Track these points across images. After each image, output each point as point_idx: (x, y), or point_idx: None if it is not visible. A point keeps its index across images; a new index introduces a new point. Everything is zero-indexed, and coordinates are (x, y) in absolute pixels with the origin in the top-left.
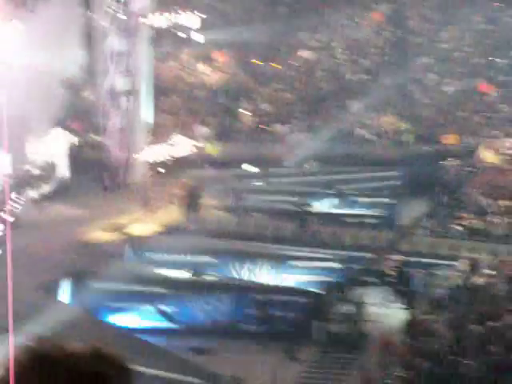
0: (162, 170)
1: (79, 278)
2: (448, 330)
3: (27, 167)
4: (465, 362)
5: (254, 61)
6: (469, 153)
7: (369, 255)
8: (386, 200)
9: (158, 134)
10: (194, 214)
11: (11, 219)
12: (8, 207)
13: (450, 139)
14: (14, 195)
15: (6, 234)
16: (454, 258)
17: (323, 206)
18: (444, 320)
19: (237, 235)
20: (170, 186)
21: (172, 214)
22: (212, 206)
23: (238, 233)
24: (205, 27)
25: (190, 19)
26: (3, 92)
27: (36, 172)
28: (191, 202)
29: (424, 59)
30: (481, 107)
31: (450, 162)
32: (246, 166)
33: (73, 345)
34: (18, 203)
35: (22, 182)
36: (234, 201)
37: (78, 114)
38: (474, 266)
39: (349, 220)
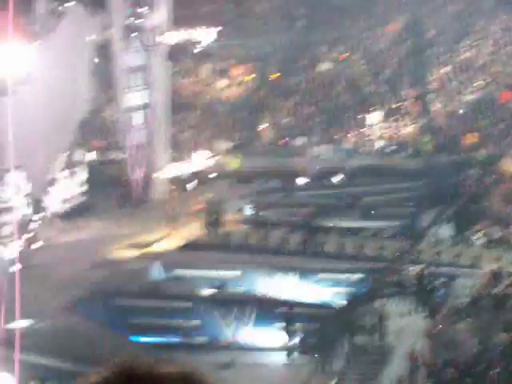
0: (184, 186)
1: (104, 296)
2: (473, 339)
3: (47, 187)
4: (491, 370)
5: (273, 75)
6: (491, 162)
7: (391, 266)
8: (408, 211)
9: (179, 149)
10: (215, 229)
11: (31, 237)
12: (28, 227)
13: (470, 140)
14: (34, 214)
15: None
16: (477, 268)
17: (345, 218)
18: (468, 329)
19: (261, 249)
20: (192, 201)
21: (195, 229)
22: (234, 221)
23: (262, 247)
24: (224, 42)
25: (209, 35)
26: (24, 112)
27: (57, 191)
28: (211, 217)
29: (444, 69)
30: (503, 116)
31: (472, 172)
32: (267, 180)
33: (158, 366)
34: (39, 222)
35: (41, 201)
36: (256, 214)
37: (99, 132)
38: (497, 275)
39: (370, 231)
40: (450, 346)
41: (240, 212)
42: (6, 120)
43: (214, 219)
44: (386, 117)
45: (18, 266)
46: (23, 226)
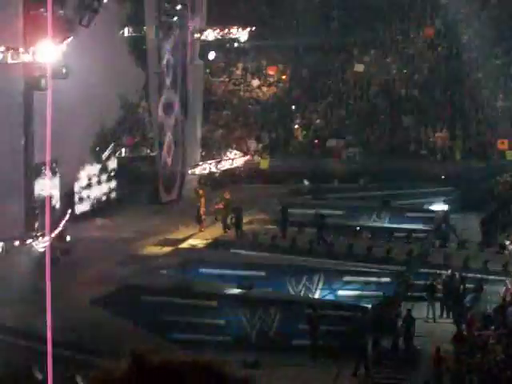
0: (214, 185)
1: (132, 292)
2: (500, 346)
3: (79, 182)
4: None
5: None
6: None
7: (420, 270)
8: (438, 215)
9: (210, 148)
10: (236, 229)
11: (62, 232)
12: (60, 222)
13: (501, 147)
14: (65, 209)
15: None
16: (507, 274)
17: (376, 220)
18: (495, 335)
19: (288, 250)
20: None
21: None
22: (263, 221)
23: (290, 247)
24: (257, 42)
25: (243, 34)
26: (60, 107)
27: (88, 186)
28: (230, 216)
29: (477, 75)
30: None
31: (503, 178)
32: (299, 181)
33: (179, 356)
34: (69, 217)
35: (73, 197)
36: (284, 215)
37: (132, 129)
38: None
39: (401, 235)
40: (475, 352)
41: (270, 212)
42: (44, 114)
43: (231, 218)
44: (417, 121)
45: (48, 261)
46: (55, 221)
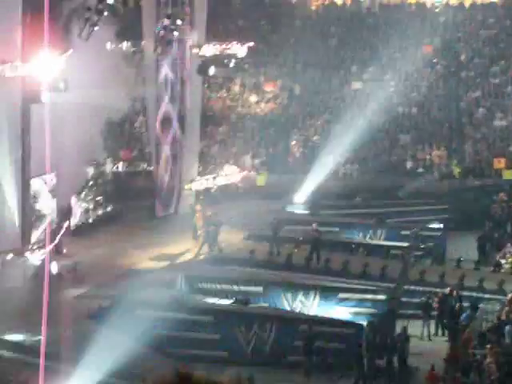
0: (210, 200)
1: (127, 306)
2: (496, 365)
3: (75, 195)
4: None
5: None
6: None
7: (415, 288)
8: (435, 233)
9: (207, 163)
10: (213, 243)
11: (58, 245)
12: (56, 234)
13: (498, 166)
14: (62, 222)
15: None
16: (503, 293)
17: (371, 237)
18: (492, 354)
19: (284, 266)
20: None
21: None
22: (256, 236)
23: (285, 263)
24: (257, 58)
25: (241, 50)
26: (57, 120)
27: (84, 200)
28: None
29: (475, 93)
30: None
31: (499, 196)
32: (295, 197)
33: (216, 375)
34: (66, 230)
35: (69, 210)
36: (277, 231)
37: (128, 143)
38: None
39: (396, 252)
40: (470, 370)
41: (264, 228)
42: (42, 127)
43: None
44: (415, 138)
45: (45, 273)
46: (51, 234)
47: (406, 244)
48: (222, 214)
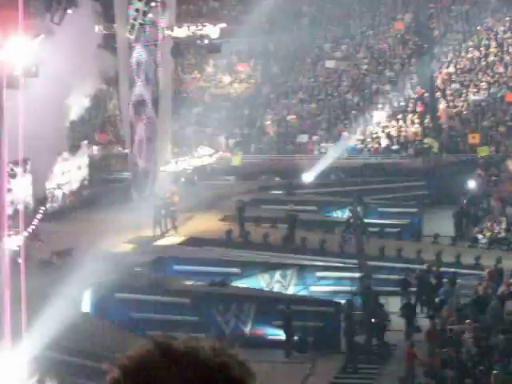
0: (186, 182)
1: (105, 290)
2: (474, 340)
3: (50, 180)
4: (490, 371)
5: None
6: (495, 163)
7: (393, 265)
8: (411, 210)
9: (181, 145)
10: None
11: (34, 230)
12: (31, 219)
13: (472, 141)
14: (37, 207)
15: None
16: (480, 268)
17: (346, 216)
18: (469, 330)
19: (261, 246)
20: (194, 198)
21: (197, 225)
22: (233, 217)
23: (262, 243)
24: (229, 39)
25: (214, 31)
26: (31, 105)
27: (59, 184)
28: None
29: (448, 69)
30: (508, 117)
31: (476, 172)
32: (271, 177)
33: (195, 341)
34: (41, 215)
35: (44, 195)
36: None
37: (103, 126)
38: (499, 276)
39: (373, 230)
40: (449, 346)
41: (240, 208)
42: (17, 113)
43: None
44: (391, 116)
45: (21, 259)
46: (26, 219)
47: (381, 221)
48: (197, 196)
